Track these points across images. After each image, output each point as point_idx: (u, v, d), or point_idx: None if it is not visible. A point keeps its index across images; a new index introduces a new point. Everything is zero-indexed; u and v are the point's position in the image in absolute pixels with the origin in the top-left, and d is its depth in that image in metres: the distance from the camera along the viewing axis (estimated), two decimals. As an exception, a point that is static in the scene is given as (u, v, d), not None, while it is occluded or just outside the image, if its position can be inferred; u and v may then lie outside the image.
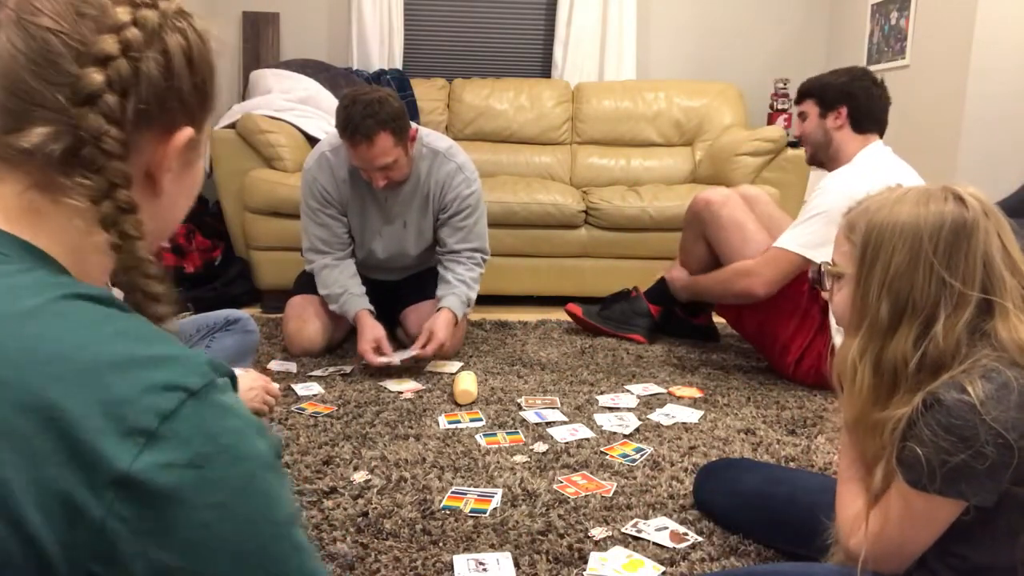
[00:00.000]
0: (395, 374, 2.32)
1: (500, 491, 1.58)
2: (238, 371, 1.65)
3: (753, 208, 2.53)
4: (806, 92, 2.42)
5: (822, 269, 1.14)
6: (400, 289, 2.64)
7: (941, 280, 0.96)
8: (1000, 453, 0.89)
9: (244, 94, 3.81)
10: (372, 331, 2.34)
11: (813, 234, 2.21)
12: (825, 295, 1.14)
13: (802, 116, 2.43)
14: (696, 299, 2.68)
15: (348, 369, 2.38)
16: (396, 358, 2.28)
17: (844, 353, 1.06)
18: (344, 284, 2.44)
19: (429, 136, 2.41)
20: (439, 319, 2.36)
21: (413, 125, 2.32)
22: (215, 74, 0.66)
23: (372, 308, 2.43)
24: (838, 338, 2.24)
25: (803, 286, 2.33)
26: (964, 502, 0.94)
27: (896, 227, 0.99)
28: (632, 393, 2.23)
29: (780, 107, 4.17)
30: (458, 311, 2.41)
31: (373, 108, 2.14)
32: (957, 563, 0.99)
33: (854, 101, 2.35)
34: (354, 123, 2.14)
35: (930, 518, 0.96)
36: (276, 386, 1.66)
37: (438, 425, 1.95)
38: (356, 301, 2.42)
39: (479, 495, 1.56)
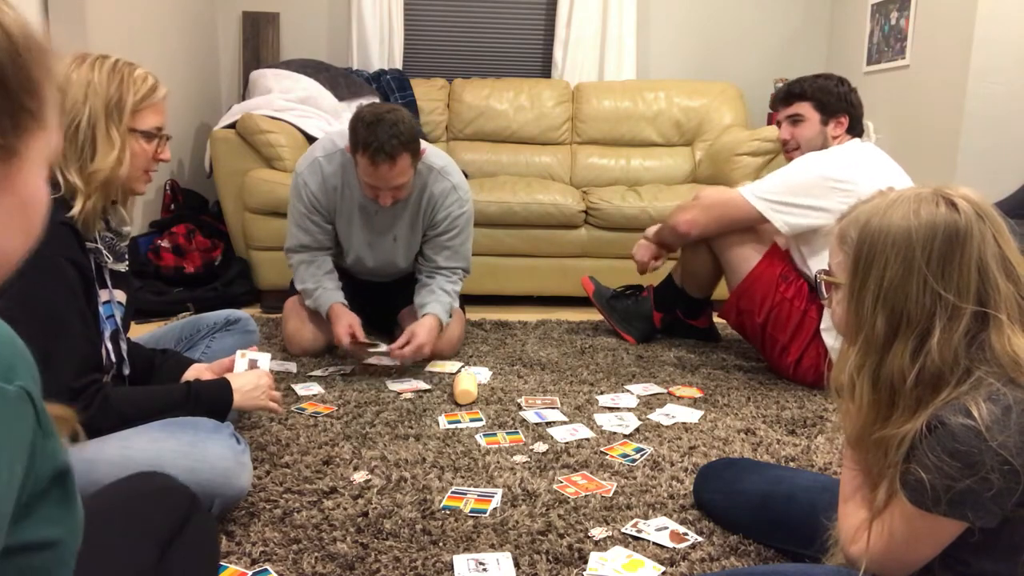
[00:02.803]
0: (395, 374, 2.32)
1: (500, 491, 1.58)
2: (239, 366, 1.66)
3: None
4: (800, 94, 2.39)
5: (818, 279, 1.12)
6: (393, 290, 2.63)
7: (935, 292, 0.94)
8: (1006, 479, 0.88)
9: (244, 94, 3.81)
10: (346, 317, 2.35)
11: (773, 190, 2.28)
12: (825, 303, 1.12)
13: (795, 119, 2.40)
14: (661, 247, 2.68)
15: (348, 369, 2.38)
16: (379, 351, 2.28)
17: (842, 367, 1.04)
18: (319, 280, 2.45)
19: (427, 151, 2.40)
20: (424, 323, 2.33)
21: (422, 143, 2.31)
22: (24, 67, 0.55)
23: (345, 302, 2.44)
24: (827, 336, 2.25)
25: (802, 288, 2.34)
26: (968, 524, 0.93)
27: (888, 238, 0.97)
28: (632, 393, 2.23)
29: (780, 107, 4.18)
30: (443, 317, 2.39)
31: (398, 128, 2.12)
32: (961, 568, 0.99)
33: (853, 110, 2.38)
34: (379, 142, 2.11)
35: (933, 536, 0.96)
36: (272, 381, 1.66)
37: (438, 425, 1.95)
38: (329, 295, 2.43)
39: (479, 495, 1.56)
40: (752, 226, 2.44)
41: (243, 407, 1.60)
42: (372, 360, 2.33)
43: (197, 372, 1.69)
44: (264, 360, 1.71)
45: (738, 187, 2.38)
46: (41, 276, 1.28)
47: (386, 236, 2.48)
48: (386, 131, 2.11)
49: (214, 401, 1.52)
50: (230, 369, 1.69)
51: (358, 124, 2.16)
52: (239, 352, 1.72)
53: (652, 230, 2.69)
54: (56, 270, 1.30)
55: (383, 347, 2.30)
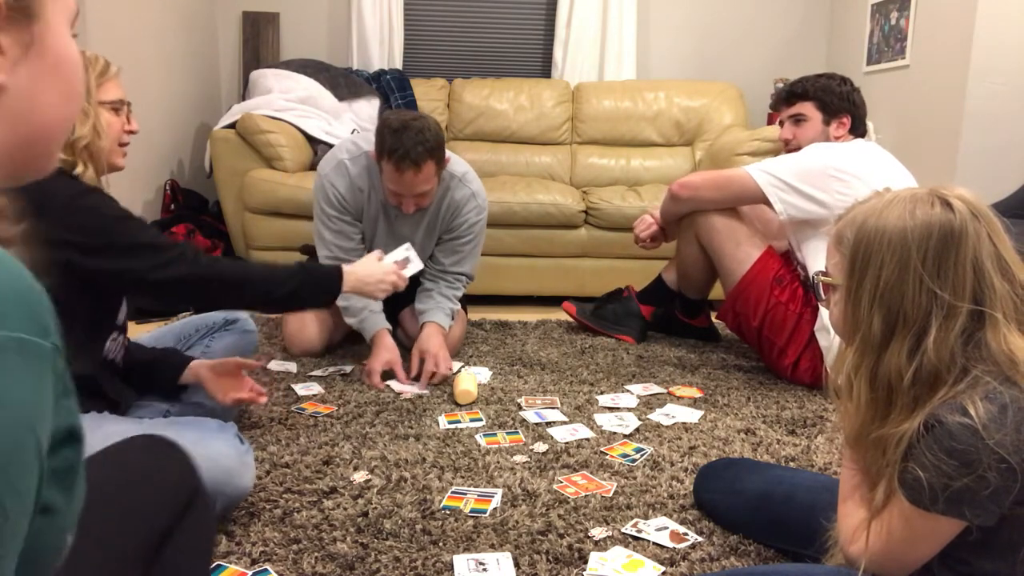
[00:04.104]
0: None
1: (500, 491, 1.58)
2: (371, 256, 1.82)
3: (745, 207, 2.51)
4: (802, 94, 2.39)
5: (816, 280, 1.13)
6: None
7: (931, 292, 0.95)
8: (1003, 477, 0.89)
9: (244, 94, 3.81)
10: (387, 353, 2.30)
11: (778, 169, 2.27)
12: (822, 304, 1.13)
13: (798, 119, 2.40)
14: (667, 226, 2.66)
15: (348, 369, 2.38)
16: (408, 390, 2.21)
17: (839, 367, 1.05)
18: (365, 299, 2.39)
19: (450, 160, 2.40)
20: (432, 337, 2.31)
21: (447, 153, 2.30)
22: None
23: (391, 327, 2.39)
24: (821, 337, 2.25)
25: (797, 291, 2.34)
26: (966, 522, 0.93)
27: (884, 238, 0.98)
28: (632, 393, 2.23)
29: (780, 107, 4.18)
30: (445, 323, 2.39)
31: (424, 135, 2.12)
32: (959, 567, 0.99)
33: (856, 109, 2.37)
34: (405, 148, 2.11)
35: (931, 535, 0.96)
36: (403, 282, 1.88)
37: (438, 425, 1.95)
38: (375, 319, 2.37)
39: (479, 495, 1.56)
40: (743, 229, 2.43)
41: (360, 291, 1.70)
42: (397, 388, 2.24)
43: (195, 371, 1.69)
44: (415, 261, 1.86)
45: (749, 167, 2.37)
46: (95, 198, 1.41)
47: (404, 242, 2.48)
48: (412, 138, 2.11)
49: (323, 278, 1.62)
50: (232, 368, 1.70)
51: (384, 130, 2.16)
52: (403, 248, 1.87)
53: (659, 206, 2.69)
54: (99, 194, 1.42)
55: (410, 390, 2.21)
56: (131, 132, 1.56)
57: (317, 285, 1.58)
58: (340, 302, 2.41)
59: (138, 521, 0.91)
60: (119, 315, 1.54)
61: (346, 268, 1.62)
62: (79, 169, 1.43)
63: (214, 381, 1.68)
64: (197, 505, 1.01)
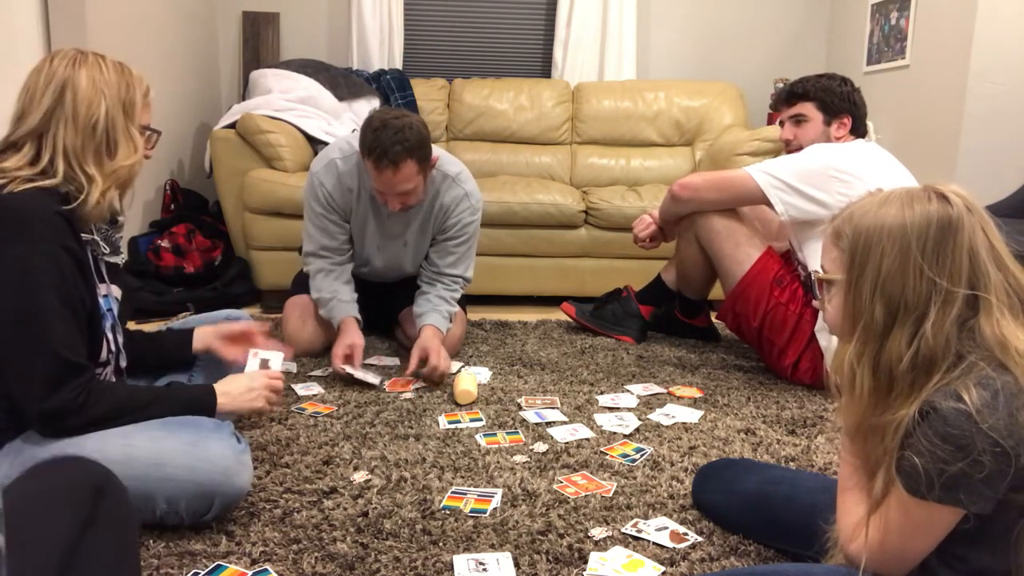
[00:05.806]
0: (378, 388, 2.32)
1: (500, 491, 1.58)
2: (251, 366, 1.68)
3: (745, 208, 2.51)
4: (803, 94, 2.38)
5: (813, 277, 1.14)
6: (395, 290, 2.63)
7: (931, 280, 0.98)
8: (997, 461, 0.90)
9: (244, 94, 3.81)
10: (350, 337, 2.32)
11: (779, 170, 2.26)
12: (817, 304, 1.15)
13: (798, 119, 2.39)
14: (666, 225, 2.66)
15: (349, 370, 2.38)
16: (370, 377, 2.23)
17: (841, 359, 1.07)
18: (335, 290, 2.42)
19: (442, 158, 2.39)
20: (431, 338, 2.30)
21: (434, 151, 2.29)
22: None
23: (359, 317, 2.41)
24: (821, 338, 2.25)
25: (797, 292, 2.34)
26: (963, 510, 0.94)
27: (883, 230, 1.01)
28: (632, 393, 2.23)
29: (780, 107, 4.17)
30: (443, 327, 2.38)
31: (403, 134, 2.11)
32: (957, 564, 1.00)
33: (856, 110, 2.37)
34: (382, 147, 2.11)
35: (929, 525, 0.97)
36: (280, 382, 1.65)
37: (438, 425, 1.95)
38: (343, 307, 2.40)
39: (479, 495, 1.56)
40: (743, 230, 2.43)
41: (236, 411, 1.58)
42: (357, 375, 2.25)
43: (204, 341, 1.74)
44: (276, 360, 1.72)
45: (749, 168, 2.36)
46: (29, 263, 1.27)
47: (397, 241, 2.48)
48: (390, 137, 2.11)
49: (192, 400, 1.50)
50: (238, 334, 1.74)
51: (366, 128, 2.17)
52: (252, 351, 1.73)
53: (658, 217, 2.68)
54: (47, 256, 1.28)
55: (372, 378, 2.23)
56: (146, 156, 1.50)
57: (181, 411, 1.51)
58: (313, 294, 2.46)
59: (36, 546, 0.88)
60: (100, 355, 1.45)
61: (221, 387, 1.54)
62: (91, 197, 1.34)
63: (227, 348, 1.74)
64: (104, 507, 0.98)
